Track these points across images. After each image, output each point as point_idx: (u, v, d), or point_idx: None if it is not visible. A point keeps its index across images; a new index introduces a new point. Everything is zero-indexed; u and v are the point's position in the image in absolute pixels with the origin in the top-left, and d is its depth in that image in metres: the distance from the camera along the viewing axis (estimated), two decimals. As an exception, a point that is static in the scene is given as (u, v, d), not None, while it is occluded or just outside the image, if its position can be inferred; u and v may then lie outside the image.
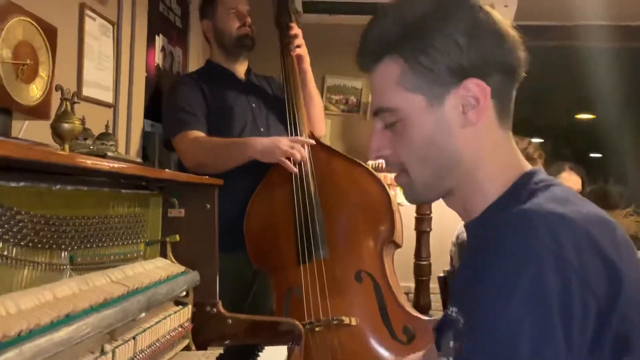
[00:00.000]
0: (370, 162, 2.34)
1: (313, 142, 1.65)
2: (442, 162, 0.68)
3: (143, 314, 1.00)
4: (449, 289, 2.08)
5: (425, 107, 0.67)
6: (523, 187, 0.66)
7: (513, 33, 0.68)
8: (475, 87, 0.66)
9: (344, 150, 2.74)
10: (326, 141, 2.73)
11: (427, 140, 0.67)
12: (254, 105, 1.82)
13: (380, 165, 2.29)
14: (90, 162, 0.81)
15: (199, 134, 1.70)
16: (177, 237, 1.32)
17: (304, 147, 1.61)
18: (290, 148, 1.58)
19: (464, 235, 1.98)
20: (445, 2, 0.67)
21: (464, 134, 0.67)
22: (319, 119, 1.87)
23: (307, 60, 1.83)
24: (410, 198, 0.73)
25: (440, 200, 0.74)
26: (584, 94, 3.50)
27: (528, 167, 0.70)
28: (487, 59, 0.66)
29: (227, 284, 1.35)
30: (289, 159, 1.61)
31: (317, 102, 1.87)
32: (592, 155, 4.17)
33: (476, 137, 0.67)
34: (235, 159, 1.63)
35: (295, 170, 1.58)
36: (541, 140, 3.20)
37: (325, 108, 2.88)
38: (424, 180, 0.69)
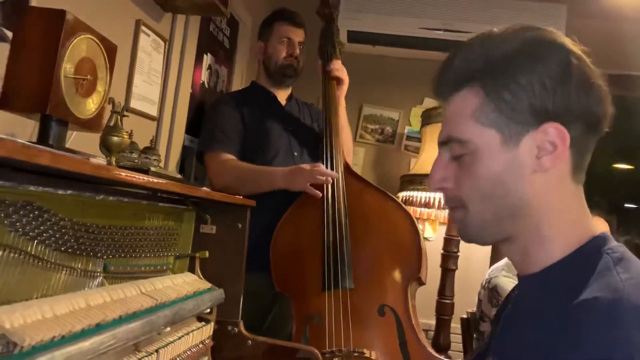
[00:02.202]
0: (401, 195, 2.37)
1: (334, 174, 1.63)
2: (505, 204, 0.65)
3: (168, 328, 1.00)
4: (473, 332, 2.03)
5: (498, 144, 0.64)
6: (594, 254, 0.62)
7: (602, 84, 0.65)
8: (554, 132, 0.63)
9: (376, 180, 2.78)
10: (358, 170, 2.81)
11: (495, 179, 0.64)
12: (290, 129, 1.83)
13: (409, 198, 2.29)
14: (135, 177, 0.83)
15: (229, 157, 1.71)
16: (207, 254, 1.33)
17: (323, 176, 1.60)
18: (311, 174, 1.57)
19: (498, 280, 1.96)
20: (539, 42, 0.64)
21: (534, 180, 0.64)
22: (349, 147, 1.89)
23: (344, 88, 1.84)
24: (464, 235, 0.70)
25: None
26: (624, 143, 3.43)
27: (595, 227, 0.66)
28: (572, 106, 0.63)
29: (246, 304, 1.36)
30: (314, 186, 1.60)
31: (347, 131, 1.88)
32: (627, 205, 4.06)
33: (547, 186, 0.64)
34: (261, 188, 1.64)
35: (319, 194, 1.57)
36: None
37: (360, 137, 2.92)
38: (483, 219, 0.66)
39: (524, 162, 0.64)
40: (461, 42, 0.68)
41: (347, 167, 1.72)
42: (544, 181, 0.64)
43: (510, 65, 0.64)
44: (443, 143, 0.69)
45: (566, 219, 0.65)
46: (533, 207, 0.64)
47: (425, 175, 2.13)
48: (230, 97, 1.87)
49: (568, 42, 0.65)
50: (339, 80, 1.81)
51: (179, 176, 1.36)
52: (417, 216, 2.27)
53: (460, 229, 0.69)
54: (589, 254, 0.62)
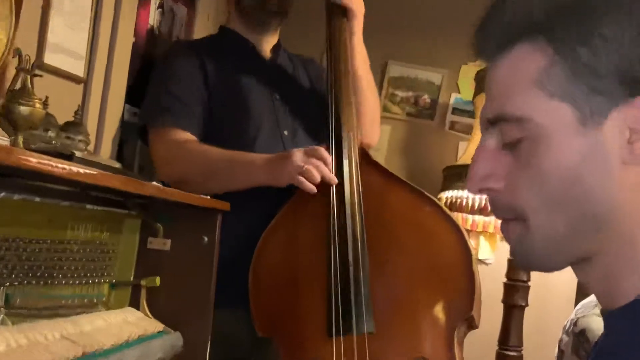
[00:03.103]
0: (444, 196, 2.36)
1: (335, 180, 1.60)
2: (585, 212, 0.65)
3: (99, 392, 1.00)
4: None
5: (572, 125, 0.65)
6: None
7: None
8: None
9: (406, 173, 2.77)
10: (380, 158, 2.75)
11: (569, 175, 0.65)
12: (277, 97, 1.82)
13: (457, 200, 2.28)
14: (52, 166, 0.83)
15: (186, 136, 1.70)
16: (157, 281, 1.35)
17: (326, 163, 1.60)
18: (304, 163, 1.56)
19: (588, 322, 1.91)
20: None
21: (625, 175, 0.64)
22: (371, 120, 1.86)
23: (359, 25, 1.80)
24: (522, 261, 0.70)
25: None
26: None
27: None
28: None
29: (216, 354, 1.36)
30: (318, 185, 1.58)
31: (369, 97, 1.85)
32: None
33: None
34: (234, 183, 1.64)
35: (313, 188, 1.57)
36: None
37: (384, 109, 2.89)
38: (552, 234, 0.66)
39: (611, 149, 0.64)
40: None
41: (364, 154, 1.70)
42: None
43: (590, 11, 0.64)
44: (490, 124, 0.70)
45: None
46: (625, 214, 0.65)
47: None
48: (190, 48, 1.86)
49: None
50: (349, 14, 1.78)
51: (116, 165, 1.40)
52: (468, 227, 2.25)
53: (516, 252, 0.70)
54: None
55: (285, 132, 1.80)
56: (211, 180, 1.64)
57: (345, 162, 1.64)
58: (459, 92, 2.92)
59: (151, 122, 1.75)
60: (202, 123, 1.73)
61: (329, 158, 1.59)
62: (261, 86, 1.82)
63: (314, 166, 1.55)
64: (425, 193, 1.64)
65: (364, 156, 1.70)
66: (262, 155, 1.65)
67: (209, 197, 1.36)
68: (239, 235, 1.62)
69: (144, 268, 1.37)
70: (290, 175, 1.57)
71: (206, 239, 1.37)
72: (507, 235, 0.70)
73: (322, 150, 1.59)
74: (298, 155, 1.57)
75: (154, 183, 1.23)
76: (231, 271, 1.57)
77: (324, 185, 1.58)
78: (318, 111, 1.78)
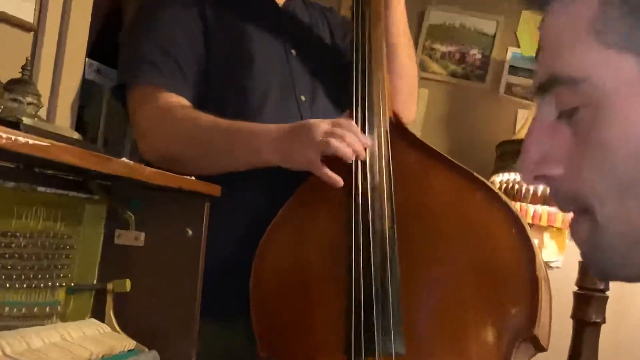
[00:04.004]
0: (498, 180, 2.34)
1: (368, 142, 1.60)
2: None
3: None
4: None
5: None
6: None
7: None
8: None
9: (450, 151, 2.70)
10: (416, 131, 2.69)
11: None
12: (293, 52, 1.83)
13: (515, 186, 2.27)
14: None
15: (177, 99, 1.71)
16: (128, 285, 1.35)
17: (360, 139, 1.59)
18: (330, 137, 1.56)
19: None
20: None
21: None
22: (408, 88, 1.88)
23: None
24: (593, 266, 0.71)
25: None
26: None
27: None
28: None
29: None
30: (330, 160, 1.58)
31: (405, 59, 1.87)
32: None
33: None
34: (234, 161, 1.65)
35: (340, 181, 1.57)
36: None
37: (421, 67, 2.88)
38: (627, 229, 0.67)
39: None
40: None
41: (397, 125, 1.71)
42: None
43: None
44: (544, 90, 0.71)
45: None
46: None
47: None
48: None
49: None
50: None
51: (76, 135, 1.37)
52: (529, 221, 2.26)
53: (586, 256, 0.71)
54: None
55: (303, 98, 1.80)
56: (205, 158, 1.65)
57: (373, 135, 1.65)
58: (518, 46, 2.91)
59: (132, 79, 1.75)
60: (196, 84, 1.74)
61: (360, 133, 1.59)
62: (274, 38, 1.82)
63: (345, 141, 1.55)
64: (477, 176, 1.63)
65: (397, 128, 1.70)
66: (271, 126, 1.65)
67: (193, 178, 1.35)
68: (234, 228, 1.64)
69: (110, 268, 1.38)
70: (307, 157, 1.57)
71: (190, 231, 1.37)
72: (575, 234, 0.71)
73: (351, 124, 1.59)
74: (321, 127, 1.57)
75: (123, 159, 1.22)
76: (224, 274, 1.58)
77: (341, 169, 1.59)
78: (341, 72, 1.78)
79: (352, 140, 1.55)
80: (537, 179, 0.71)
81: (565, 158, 0.69)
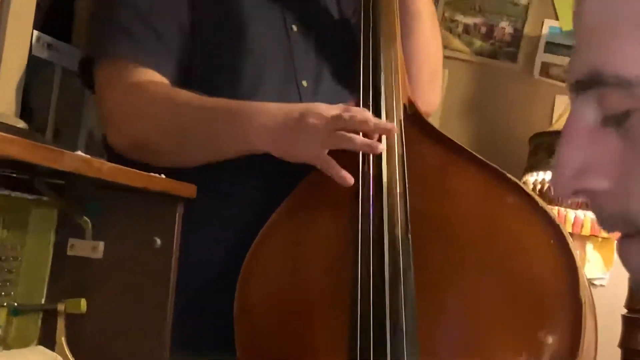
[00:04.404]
0: (531, 179, 2.28)
1: (391, 128, 1.59)
2: None
3: None
4: None
5: None
6: None
7: None
8: None
9: (474, 144, 2.78)
10: (434, 118, 2.69)
11: None
12: (294, 28, 1.82)
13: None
14: None
15: (153, 76, 1.71)
16: (83, 305, 1.34)
17: (374, 128, 1.56)
18: (341, 123, 1.53)
19: None
20: None
21: None
22: (430, 70, 1.89)
23: None
24: None
25: None
26: None
27: None
28: None
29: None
30: (339, 154, 1.56)
31: (427, 33, 1.87)
32: None
33: None
34: (218, 147, 1.63)
35: (350, 179, 1.54)
36: None
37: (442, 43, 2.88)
38: None
39: None
40: None
41: (413, 114, 1.70)
42: None
43: None
44: (582, 87, 0.68)
45: None
46: None
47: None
48: None
49: None
50: None
51: (20, 124, 1.39)
52: (569, 229, 2.27)
53: (637, 282, 0.72)
54: None
55: (305, 83, 1.79)
56: (184, 145, 1.65)
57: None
58: (557, 18, 2.93)
59: (101, 51, 1.74)
60: (178, 62, 1.73)
61: (372, 120, 1.57)
62: (271, 10, 1.82)
63: (358, 130, 1.54)
64: (507, 175, 1.62)
65: (413, 117, 1.69)
66: (265, 105, 1.63)
67: (162, 175, 1.33)
68: (214, 237, 1.63)
69: (62, 285, 1.38)
70: (311, 150, 1.55)
71: (159, 241, 1.35)
72: (624, 258, 0.71)
73: (365, 112, 1.58)
74: (329, 114, 1.55)
75: (78, 153, 1.21)
76: (202, 295, 1.59)
77: (350, 164, 1.58)
78: (350, 52, 1.78)
79: (368, 129, 1.55)
80: (577, 193, 0.70)
81: (612, 170, 0.68)
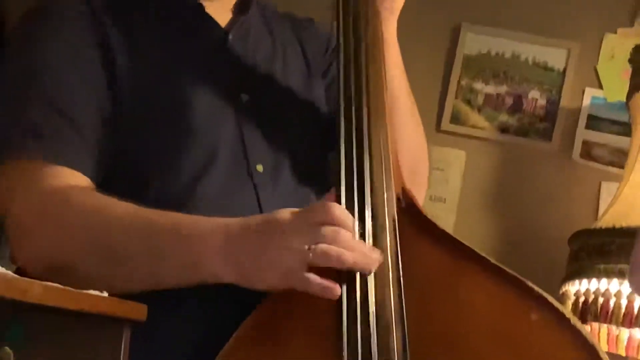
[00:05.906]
0: (575, 288, 2.31)
1: (378, 258, 1.59)
2: None
3: None
4: None
5: None
6: None
7: None
8: None
9: (499, 244, 2.85)
10: (447, 213, 2.83)
11: None
12: (246, 98, 1.88)
13: (604, 301, 2.26)
14: None
15: (74, 177, 1.73)
16: None
17: (363, 251, 1.57)
18: (319, 241, 1.52)
19: None
20: None
21: None
22: (410, 163, 1.90)
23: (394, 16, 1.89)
24: None
25: None
26: None
27: None
28: None
29: None
30: (322, 271, 1.55)
31: (406, 117, 1.92)
32: None
33: None
34: (161, 276, 1.66)
35: (337, 290, 1.56)
36: None
37: (454, 119, 2.96)
38: None
39: None
40: None
41: (410, 208, 1.72)
42: None
43: None
44: None
45: None
46: None
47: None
48: (80, 1, 1.88)
49: None
50: None
51: None
52: (622, 353, 2.28)
53: None
54: None
55: (260, 167, 1.83)
56: (116, 271, 1.66)
57: (371, 225, 1.66)
58: (601, 87, 2.97)
59: (3, 151, 1.76)
60: (101, 155, 1.77)
61: (352, 223, 1.60)
62: (215, 77, 1.87)
63: (343, 246, 1.54)
64: (529, 284, 1.62)
65: (410, 212, 1.72)
66: (218, 222, 1.65)
67: (106, 294, 1.35)
68: None
69: None
70: (284, 274, 1.56)
71: None
72: None
73: (340, 210, 1.59)
74: (301, 227, 1.57)
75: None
76: None
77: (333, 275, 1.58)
78: (321, 124, 1.86)
79: (352, 244, 1.56)
80: None
81: None
